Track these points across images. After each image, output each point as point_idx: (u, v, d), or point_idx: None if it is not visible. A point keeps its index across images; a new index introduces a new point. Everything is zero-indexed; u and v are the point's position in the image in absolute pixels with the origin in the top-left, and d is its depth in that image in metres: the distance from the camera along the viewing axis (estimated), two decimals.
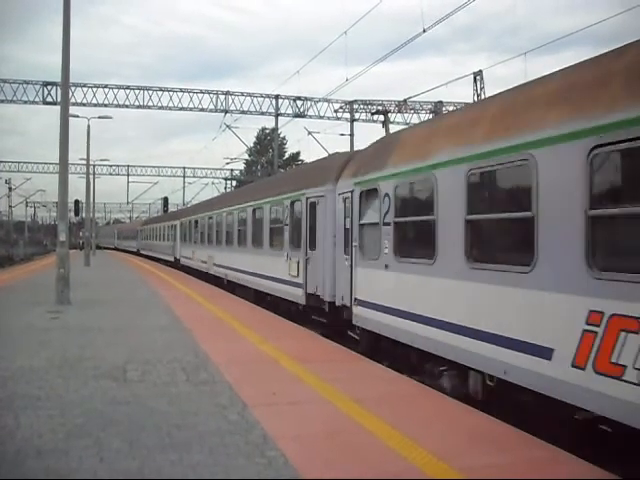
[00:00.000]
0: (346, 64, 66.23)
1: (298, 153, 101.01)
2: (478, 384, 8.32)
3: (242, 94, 43.99)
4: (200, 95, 43.56)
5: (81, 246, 65.19)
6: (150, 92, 42.87)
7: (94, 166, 56.40)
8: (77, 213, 49.89)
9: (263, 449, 5.72)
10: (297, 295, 15.72)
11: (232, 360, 9.93)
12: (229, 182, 79.25)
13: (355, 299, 12.24)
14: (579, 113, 6.62)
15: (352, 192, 12.62)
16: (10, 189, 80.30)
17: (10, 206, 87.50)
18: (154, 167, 78.63)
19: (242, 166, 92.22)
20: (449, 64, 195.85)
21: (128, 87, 42.67)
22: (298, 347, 11.29)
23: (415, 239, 10.55)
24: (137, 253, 67.86)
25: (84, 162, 46.52)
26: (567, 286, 6.56)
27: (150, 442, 5.88)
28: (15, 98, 40.54)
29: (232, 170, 78.14)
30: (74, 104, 36.44)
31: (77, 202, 49.45)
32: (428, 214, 9.52)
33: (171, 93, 43.39)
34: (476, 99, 38.41)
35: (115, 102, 42.07)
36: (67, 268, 17.78)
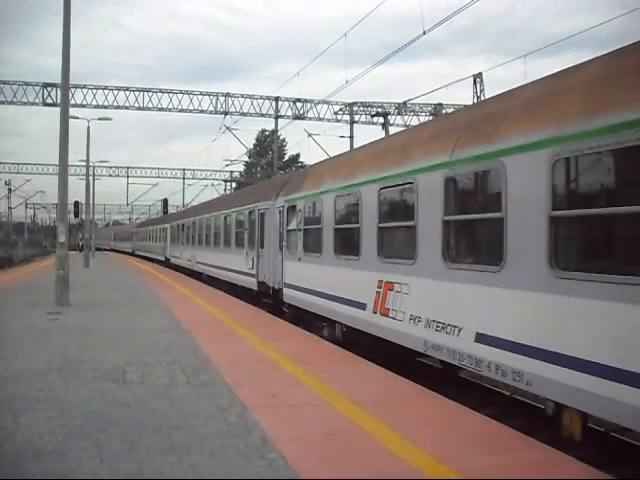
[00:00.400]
0: (346, 66, 66.24)
1: (298, 155, 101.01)
2: (339, 331, 13.25)
3: (242, 96, 44.07)
4: (200, 97, 43.60)
5: (80, 247, 65.25)
6: (150, 94, 42.94)
7: (94, 167, 56.48)
8: (77, 215, 49.88)
9: (263, 451, 5.74)
10: (252, 283, 20.50)
11: (232, 362, 9.94)
12: (229, 184, 79.30)
13: (284, 283, 16.99)
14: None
15: (283, 207, 17.37)
16: (10, 190, 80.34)
17: (10, 207, 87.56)
18: (154, 168, 78.56)
19: (242, 168, 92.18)
20: (449, 66, 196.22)
21: (128, 88, 42.72)
22: (297, 349, 11.31)
23: (313, 241, 14.74)
24: (131, 254, 70.54)
25: (84, 163, 46.54)
26: (370, 266, 11.41)
27: (150, 444, 5.89)
28: (15, 99, 40.57)
29: (232, 172, 78.19)
30: (74, 105, 36.49)
31: (77, 203, 49.45)
32: (318, 224, 14.34)
33: (171, 95, 43.41)
34: (476, 101, 38.41)
35: (115, 103, 42.15)
36: (66, 269, 17.80)
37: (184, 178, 77.58)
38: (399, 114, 42.79)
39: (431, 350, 9.17)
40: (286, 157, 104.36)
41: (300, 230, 15.74)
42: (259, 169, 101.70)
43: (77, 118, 39.65)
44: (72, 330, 13.15)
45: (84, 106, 41.27)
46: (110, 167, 74.24)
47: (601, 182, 6.68)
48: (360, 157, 13.60)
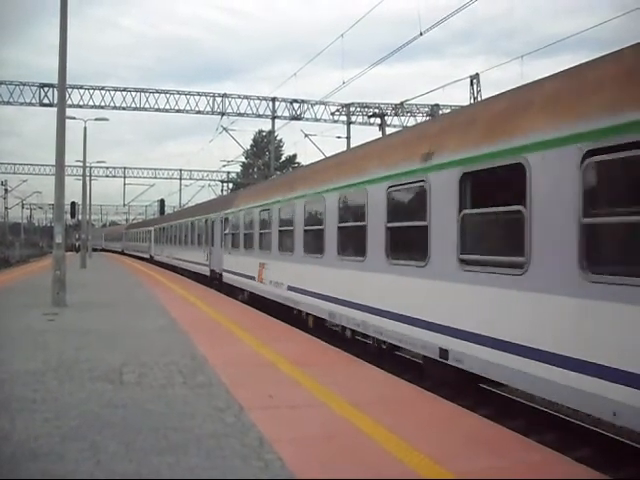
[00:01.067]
0: (343, 67, 66.28)
1: (295, 155, 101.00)
2: (246, 295, 21.26)
3: (239, 96, 44.05)
4: (197, 97, 43.53)
5: (77, 248, 65.24)
6: (147, 94, 42.89)
7: (90, 168, 56.47)
8: (73, 215, 49.86)
9: (260, 452, 5.73)
10: (206, 271, 29.60)
11: (229, 363, 9.93)
12: (225, 184, 79.24)
13: (223, 269, 25.56)
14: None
15: (222, 218, 26.02)
16: (6, 191, 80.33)
17: (6, 208, 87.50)
18: (151, 169, 78.50)
19: (239, 168, 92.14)
20: (447, 67, 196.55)
21: (125, 89, 42.65)
22: (295, 350, 11.29)
23: (234, 240, 23.46)
24: (121, 252, 77.20)
25: (81, 164, 46.59)
26: (250, 254, 20.33)
27: (147, 445, 5.88)
28: (12, 100, 40.49)
29: (229, 172, 78.16)
30: (71, 106, 36.51)
31: (73, 204, 49.37)
32: (236, 230, 22.98)
33: (168, 95, 43.35)
34: (473, 102, 38.41)
35: (112, 104, 42.12)
36: (63, 270, 17.76)
37: (181, 179, 77.59)
38: (396, 115, 42.80)
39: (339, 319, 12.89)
40: (283, 158, 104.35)
41: (228, 234, 24.78)
42: (256, 170, 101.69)
43: (74, 118, 39.65)
44: (69, 331, 13.12)
45: (81, 106, 41.24)
46: (107, 168, 74.30)
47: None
48: (273, 185, 21.23)
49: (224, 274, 25.17)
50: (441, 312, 8.89)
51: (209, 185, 77.66)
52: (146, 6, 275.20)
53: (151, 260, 51.21)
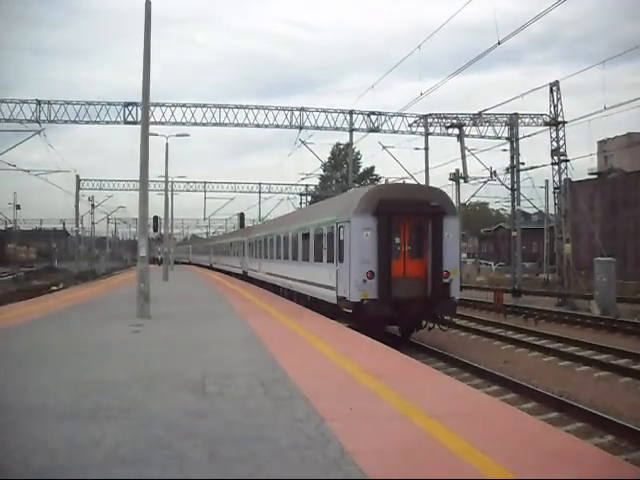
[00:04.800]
0: (420, 79, 65.90)
1: (373, 168, 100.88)
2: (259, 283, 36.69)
3: (317, 110, 44.19)
4: (275, 112, 43.95)
5: (159, 261, 66.74)
6: (226, 110, 43.58)
7: (172, 183, 57.76)
8: (156, 229, 51.13)
9: (340, 463, 5.74)
10: (238, 269, 47.22)
11: (309, 374, 9.98)
12: (304, 197, 79.76)
13: (248, 269, 42.98)
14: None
15: (249, 240, 43.15)
16: (93, 206, 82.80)
17: (93, 222, 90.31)
18: (230, 183, 79.39)
19: (317, 181, 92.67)
20: (524, 75, 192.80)
21: (205, 105, 43.48)
22: (374, 362, 11.26)
23: (251, 252, 42.41)
24: (209, 267, 73.74)
25: (163, 179, 47.72)
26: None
27: (229, 454, 5.98)
28: (98, 119, 42.01)
29: (307, 185, 78.54)
30: (153, 123, 37.30)
31: (156, 218, 50.62)
32: (250, 247, 43.08)
33: (247, 110, 43.93)
34: (552, 110, 37.58)
35: (192, 120, 42.93)
36: (147, 283, 18.23)
37: (260, 192, 78.26)
38: (474, 125, 42.20)
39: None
40: (361, 170, 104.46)
41: (248, 247, 42.79)
42: (334, 182, 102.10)
43: (156, 135, 40.68)
44: (152, 342, 13.47)
45: (163, 123, 42.24)
46: (188, 182, 75.48)
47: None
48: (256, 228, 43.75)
49: (249, 272, 42.18)
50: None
51: (287, 198, 78.41)
52: (221, 23, 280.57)
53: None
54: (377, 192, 19.59)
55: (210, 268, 70.92)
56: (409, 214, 18.71)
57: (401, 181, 31.41)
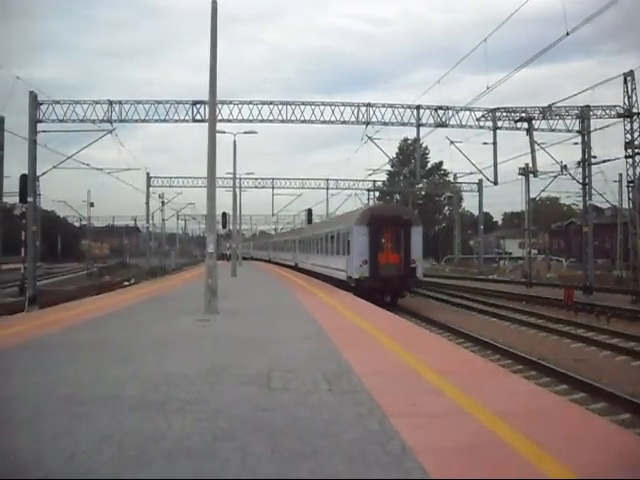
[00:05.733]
0: (487, 72, 64.64)
1: (441, 162, 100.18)
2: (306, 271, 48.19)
3: (383, 105, 43.94)
4: (342, 108, 43.83)
5: (228, 257, 67.72)
6: (293, 106, 43.73)
7: (240, 180, 58.49)
8: (224, 225, 51.94)
9: (401, 460, 5.72)
10: (291, 262, 59.30)
11: (373, 370, 9.97)
12: (371, 193, 79.62)
13: (299, 261, 54.59)
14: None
15: (300, 238, 56.11)
16: (163, 203, 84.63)
17: (163, 219, 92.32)
18: (298, 179, 79.80)
19: (385, 177, 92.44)
20: (596, 65, 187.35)
21: (271, 102, 43.74)
22: (438, 358, 11.19)
23: (301, 249, 55.11)
24: (268, 261, 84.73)
25: (231, 176, 48.46)
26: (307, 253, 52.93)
27: (292, 448, 6.03)
28: (168, 117, 42.81)
29: (375, 181, 78.37)
30: (221, 120, 37.77)
31: (224, 215, 51.54)
32: (299, 244, 56.99)
33: (313, 107, 43.97)
34: (626, 101, 36.48)
35: (259, 117, 43.23)
36: (215, 278, 18.52)
37: (327, 188, 78.45)
38: (544, 118, 41.23)
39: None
40: (429, 165, 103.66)
41: (299, 244, 55.50)
42: (402, 178, 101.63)
43: (224, 132, 41.35)
44: (219, 337, 13.70)
45: (230, 121, 42.71)
46: (255, 179, 76.40)
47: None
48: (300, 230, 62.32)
49: (300, 264, 53.04)
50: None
51: (355, 194, 78.43)
52: (285, 20, 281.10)
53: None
54: (370, 210, 34.47)
55: (269, 262, 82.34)
56: (390, 224, 30.55)
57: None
